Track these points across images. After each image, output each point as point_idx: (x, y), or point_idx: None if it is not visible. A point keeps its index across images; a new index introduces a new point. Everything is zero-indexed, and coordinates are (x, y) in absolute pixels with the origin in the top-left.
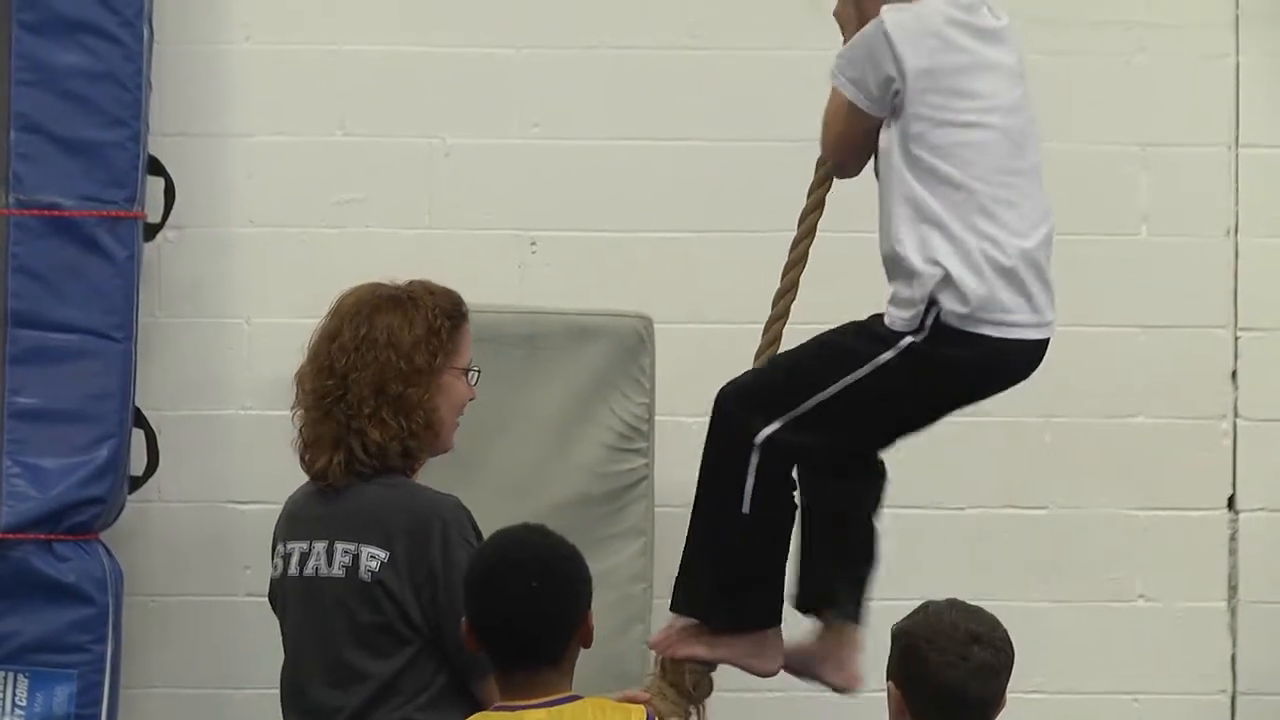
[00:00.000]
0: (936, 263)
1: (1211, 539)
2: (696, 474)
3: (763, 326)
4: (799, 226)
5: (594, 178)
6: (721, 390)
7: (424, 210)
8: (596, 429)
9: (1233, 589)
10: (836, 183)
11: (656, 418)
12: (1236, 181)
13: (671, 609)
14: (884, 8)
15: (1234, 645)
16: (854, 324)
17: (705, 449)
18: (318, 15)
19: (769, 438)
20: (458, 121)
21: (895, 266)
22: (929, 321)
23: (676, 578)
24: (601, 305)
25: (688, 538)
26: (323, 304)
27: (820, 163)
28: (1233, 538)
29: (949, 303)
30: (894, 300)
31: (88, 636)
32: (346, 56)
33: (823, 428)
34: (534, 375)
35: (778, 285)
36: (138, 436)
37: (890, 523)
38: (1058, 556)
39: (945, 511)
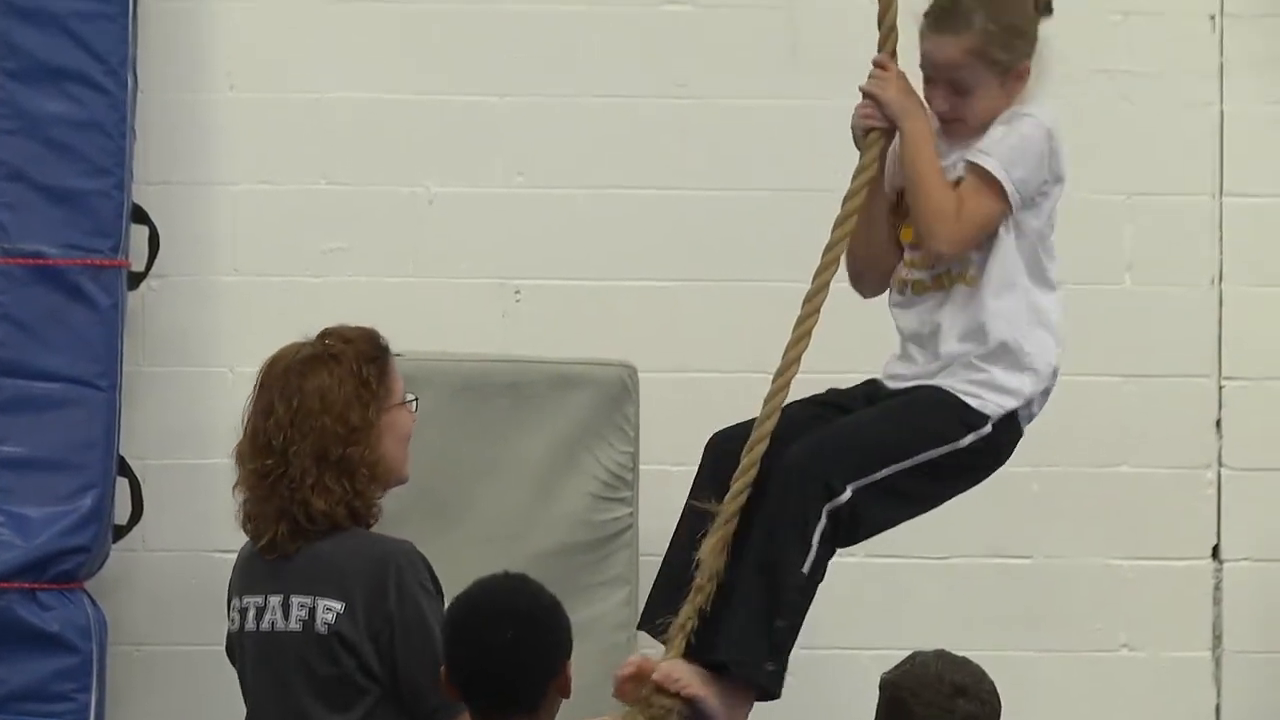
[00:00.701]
0: (1055, 370)
1: (1196, 589)
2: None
3: (749, 375)
4: (814, 280)
5: (578, 226)
6: (793, 451)
7: (408, 259)
8: (581, 478)
9: (1217, 639)
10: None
11: (641, 466)
12: (1220, 230)
13: (703, 655)
14: (1031, 106)
15: (1219, 695)
16: (928, 398)
17: (770, 507)
18: (301, 64)
19: (840, 506)
20: (442, 170)
21: (1008, 356)
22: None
23: (712, 625)
24: (586, 354)
25: (738, 591)
26: None
27: (836, 223)
28: (1217, 587)
29: (1038, 404)
30: (996, 387)
31: (72, 685)
32: (330, 105)
33: (887, 501)
34: (518, 424)
35: (762, 335)
36: (122, 485)
37: (877, 572)
38: (1043, 606)
39: (931, 561)
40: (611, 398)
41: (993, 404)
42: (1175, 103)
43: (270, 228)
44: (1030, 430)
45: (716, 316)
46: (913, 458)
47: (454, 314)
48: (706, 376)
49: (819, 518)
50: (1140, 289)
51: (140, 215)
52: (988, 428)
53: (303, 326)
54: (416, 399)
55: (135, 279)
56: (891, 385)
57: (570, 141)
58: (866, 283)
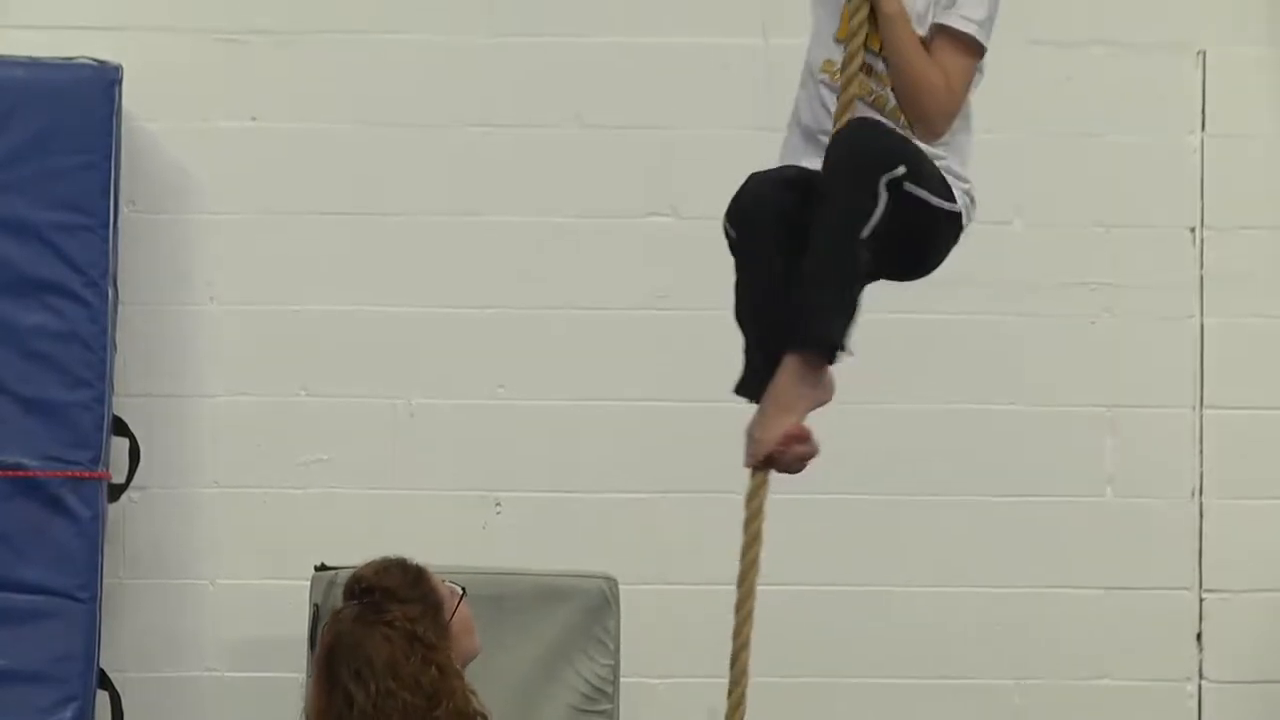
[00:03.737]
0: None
1: None
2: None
3: (730, 588)
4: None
5: (558, 437)
6: (856, 124)
7: (389, 470)
8: (562, 689)
9: None
10: None
11: (622, 679)
12: (1200, 444)
13: (811, 346)
14: None
15: None
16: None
17: (838, 176)
18: (281, 276)
19: (898, 178)
20: (422, 382)
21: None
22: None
23: (822, 318)
24: (566, 566)
25: (828, 272)
26: (288, 566)
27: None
28: None
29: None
30: (953, 174)
31: None
32: (310, 317)
33: (926, 190)
34: (499, 636)
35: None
36: (102, 698)
37: None
38: None
39: None
40: (592, 610)
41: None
42: (1156, 315)
43: (251, 440)
44: (1014, 641)
45: (698, 528)
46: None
47: (434, 526)
48: (687, 589)
49: (880, 192)
50: (1121, 501)
51: (121, 427)
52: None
53: (284, 539)
54: (463, 588)
55: (116, 491)
56: None
57: (551, 353)
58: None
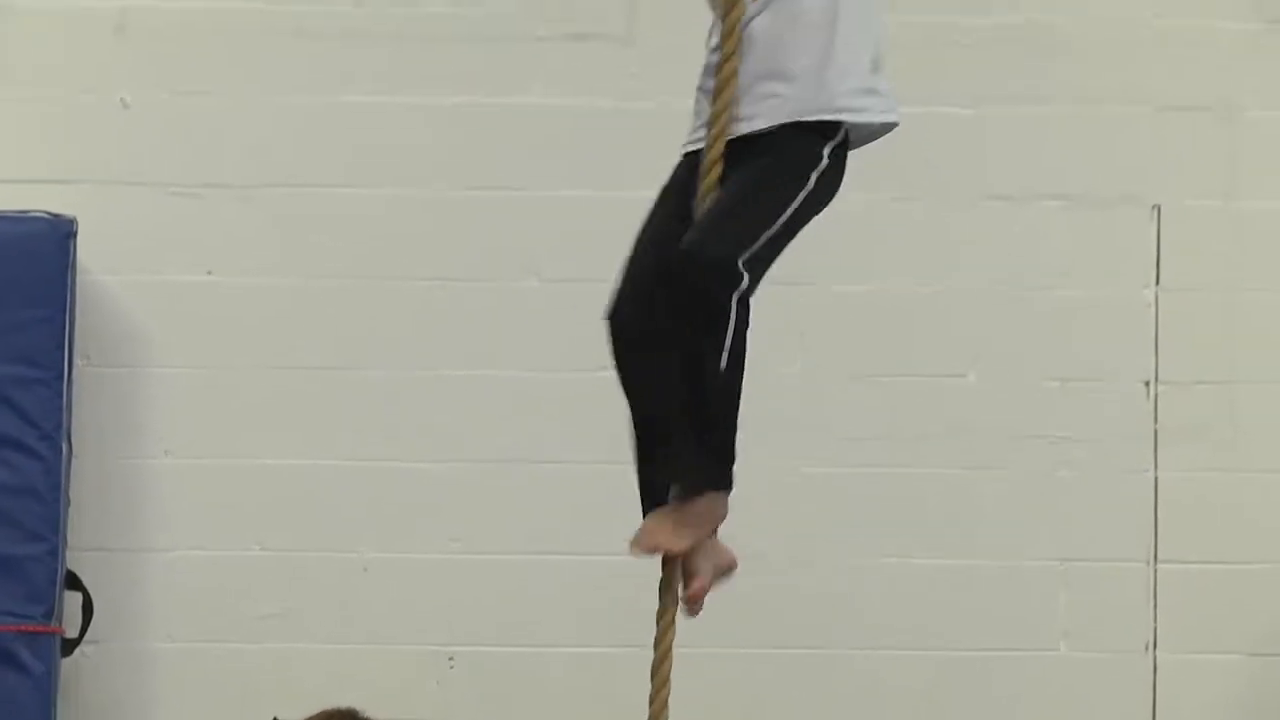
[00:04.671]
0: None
1: None
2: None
3: None
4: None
5: (513, 593)
6: (682, 252)
7: (343, 625)
8: None
9: None
10: None
11: None
12: (1155, 597)
13: (692, 489)
14: None
15: None
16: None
17: (672, 315)
18: (236, 430)
19: (745, 291)
20: (377, 536)
21: None
22: None
23: (691, 455)
24: None
25: (697, 412)
26: None
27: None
28: None
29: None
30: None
31: None
32: (265, 471)
33: (770, 258)
34: None
35: (699, 699)
36: None
37: None
38: None
39: None
40: None
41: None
42: (1111, 469)
43: (205, 594)
44: None
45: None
46: (788, 208)
47: (388, 681)
48: None
49: (729, 313)
50: (1075, 655)
51: (74, 581)
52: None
53: (239, 693)
54: None
55: (69, 645)
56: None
57: (507, 506)
58: None
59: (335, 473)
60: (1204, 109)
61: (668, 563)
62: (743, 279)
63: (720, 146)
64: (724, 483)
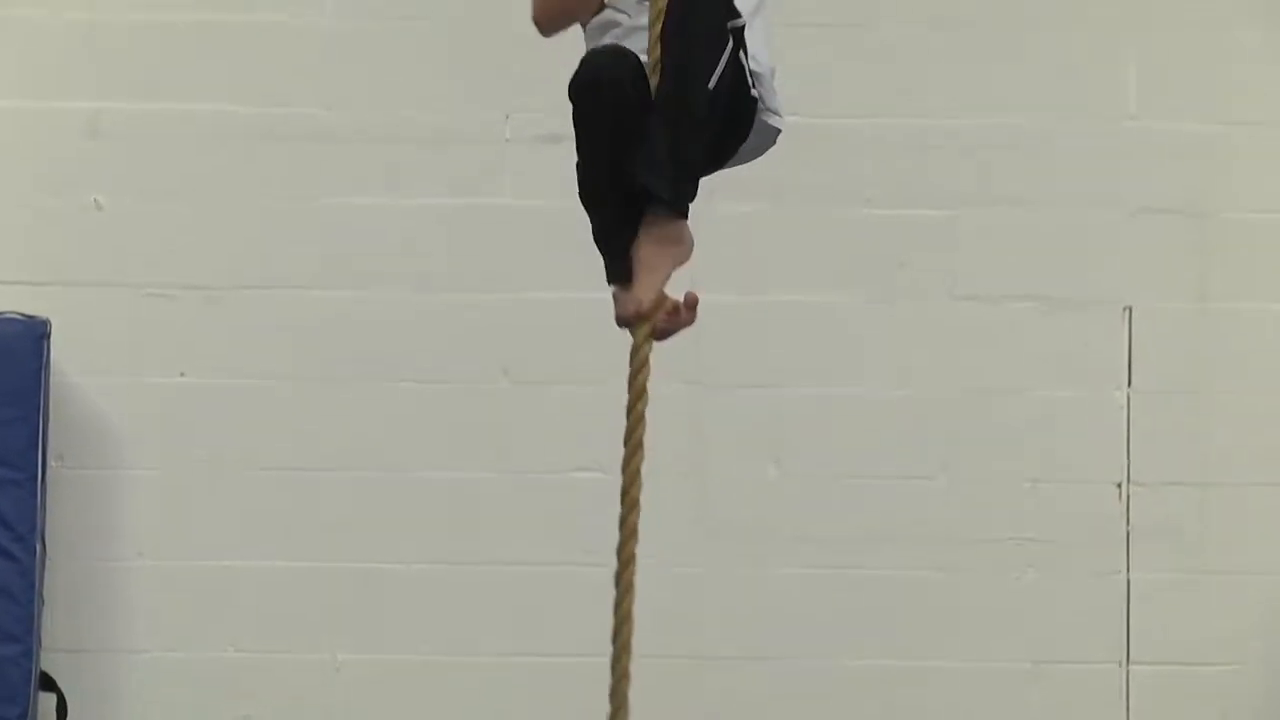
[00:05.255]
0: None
1: None
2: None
3: None
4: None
5: (486, 693)
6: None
7: None
8: None
9: None
10: None
11: None
12: (1127, 700)
13: (670, 202)
14: None
15: None
16: None
17: (694, 33)
18: (209, 532)
19: (739, 27)
20: (349, 637)
21: None
22: None
23: (663, 173)
24: None
25: (674, 123)
26: None
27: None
28: None
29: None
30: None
31: None
32: (237, 572)
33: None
34: None
35: None
36: None
37: None
38: None
39: None
40: None
41: None
42: (1082, 570)
43: (178, 695)
44: None
45: None
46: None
47: None
48: None
49: (725, 41)
50: None
51: (48, 682)
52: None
53: None
54: None
55: None
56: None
57: (477, 609)
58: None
59: (308, 574)
60: (1175, 212)
61: (652, 313)
62: (739, 16)
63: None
64: (687, 203)
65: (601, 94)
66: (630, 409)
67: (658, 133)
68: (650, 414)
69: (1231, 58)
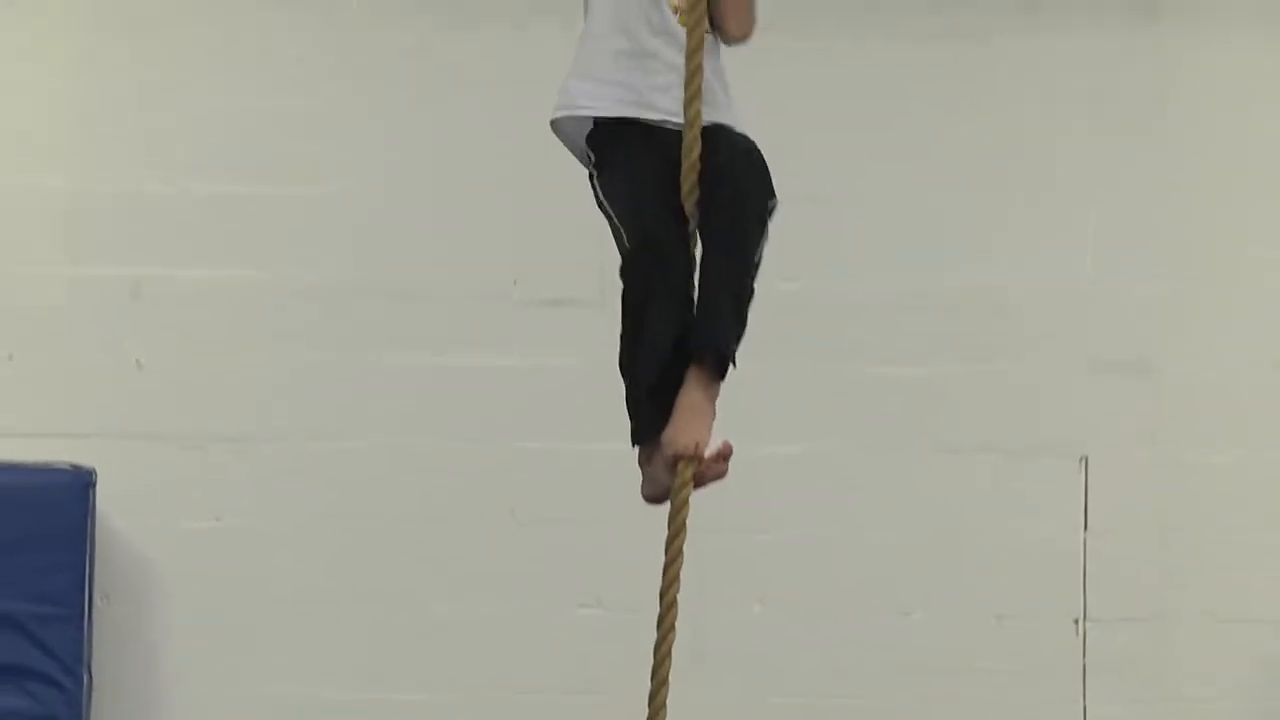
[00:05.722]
0: None
1: None
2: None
3: None
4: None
5: None
6: (748, 155)
7: None
8: None
9: None
10: None
11: None
12: None
13: (711, 347)
14: None
15: None
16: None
17: (750, 214)
18: (242, 665)
19: (772, 209)
20: None
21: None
22: None
23: (722, 323)
24: None
25: (730, 294)
26: None
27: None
28: None
29: None
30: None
31: None
32: (273, 702)
33: None
34: None
35: None
36: None
37: None
38: None
39: None
40: None
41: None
42: (1041, 701)
43: None
44: None
45: None
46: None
47: None
48: None
49: (769, 210)
50: None
51: None
52: None
53: None
54: None
55: None
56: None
57: None
58: None
59: (342, 705)
60: (1129, 366)
61: (691, 462)
62: (773, 199)
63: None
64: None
65: (664, 258)
66: (669, 544)
67: (719, 296)
68: (645, 552)
69: (1182, 224)
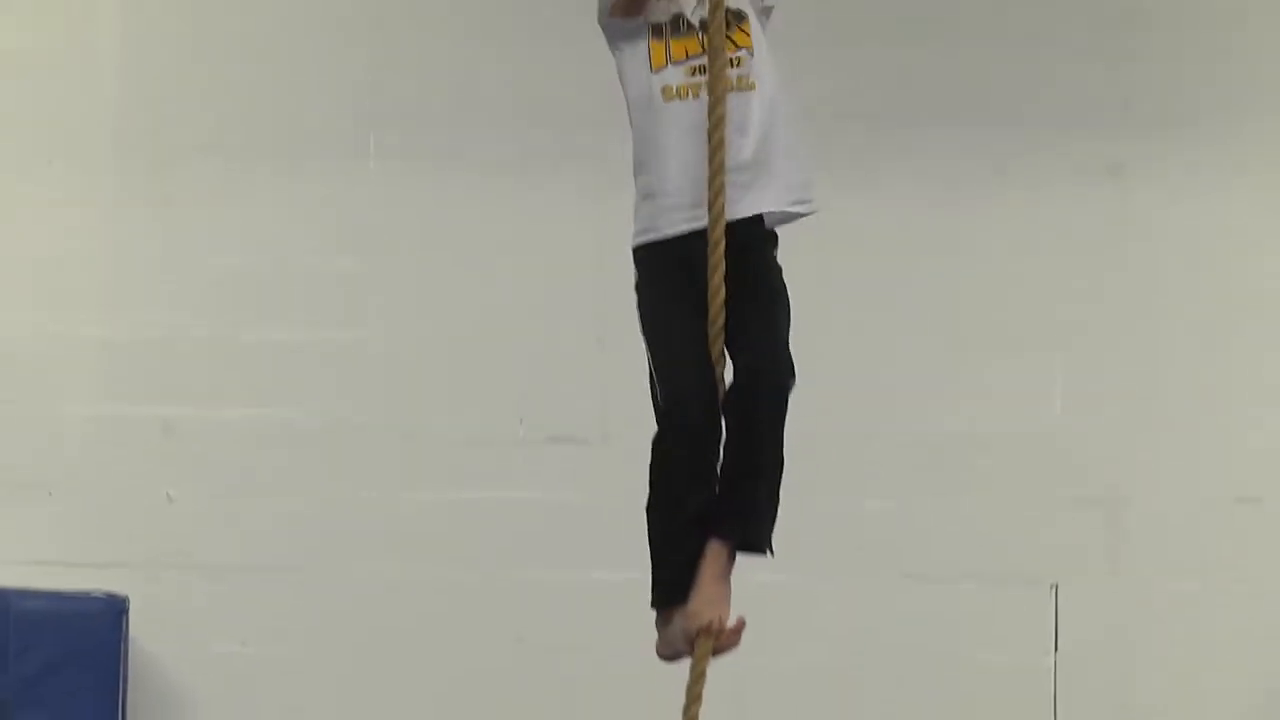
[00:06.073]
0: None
1: None
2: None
3: None
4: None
5: None
6: (782, 374)
7: None
8: None
9: None
10: None
11: None
12: None
13: (754, 550)
14: None
15: None
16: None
17: (773, 420)
18: None
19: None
20: None
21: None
22: None
23: (762, 522)
24: None
25: (766, 485)
26: None
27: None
28: None
29: None
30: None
31: None
32: None
33: None
34: None
35: None
36: None
37: None
38: None
39: None
40: None
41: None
42: None
43: None
44: None
45: None
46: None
47: None
48: None
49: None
50: None
51: None
52: None
53: None
54: None
55: None
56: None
57: None
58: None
59: None
60: (1096, 500)
61: (714, 635)
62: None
63: (721, 234)
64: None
65: (697, 442)
66: (686, 710)
67: (755, 487)
68: (638, 687)
69: (1143, 369)
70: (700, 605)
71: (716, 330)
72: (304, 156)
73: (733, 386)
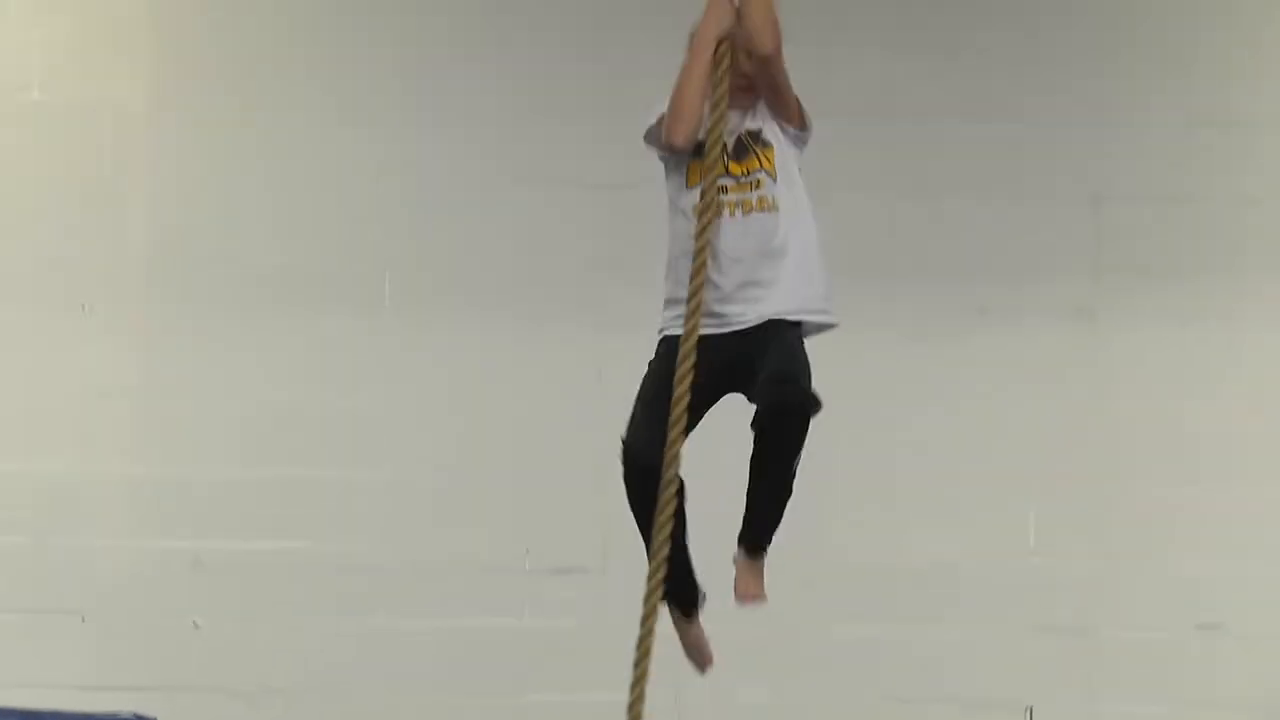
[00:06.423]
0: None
1: None
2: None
3: None
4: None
5: None
6: (802, 392)
7: None
8: None
9: None
10: None
11: None
12: None
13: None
14: None
15: None
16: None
17: (792, 435)
18: None
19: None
20: None
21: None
22: None
23: (768, 532)
24: None
25: (775, 503)
26: None
27: None
28: None
29: None
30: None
31: None
32: None
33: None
34: None
35: None
36: None
37: None
38: None
39: None
40: None
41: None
42: None
43: None
44: None
45: None
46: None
47: None
48: None
49: (807, 424)
50: None
51: None
52: None
53: None
54: None
55: None
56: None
57: None
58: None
59: None
60: (1068, 629)
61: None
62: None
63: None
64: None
65: (645, 481)
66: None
67: (769, 510)
68: None
69: (1113, 506)
70: (745, 586)
71: (680, 411)
72: (323, 300)
73: (756, 407)
